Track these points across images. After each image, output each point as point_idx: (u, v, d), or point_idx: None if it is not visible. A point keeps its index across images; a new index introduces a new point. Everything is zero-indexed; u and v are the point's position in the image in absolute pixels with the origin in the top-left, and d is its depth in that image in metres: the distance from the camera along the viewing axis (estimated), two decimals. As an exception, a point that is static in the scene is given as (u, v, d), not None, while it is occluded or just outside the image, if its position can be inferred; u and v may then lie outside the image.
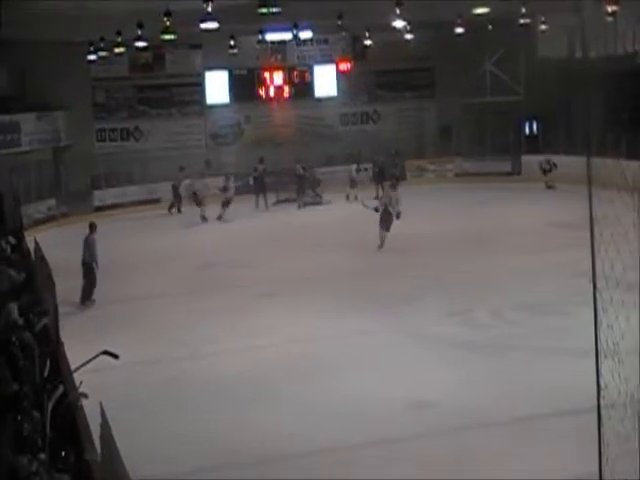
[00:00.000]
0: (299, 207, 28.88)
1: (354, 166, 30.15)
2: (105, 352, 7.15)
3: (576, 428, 8.78)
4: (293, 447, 9.74)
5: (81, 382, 6.48)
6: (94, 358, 6.93)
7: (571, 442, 8.89)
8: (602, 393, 5.81)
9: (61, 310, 9.01)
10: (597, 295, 6.05)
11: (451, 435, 9.84)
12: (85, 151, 30.52)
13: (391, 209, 20.56)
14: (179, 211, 28.97)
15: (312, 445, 9.77)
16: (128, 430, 8.18)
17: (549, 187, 29.31)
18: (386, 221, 20.54)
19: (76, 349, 8.26)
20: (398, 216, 20.52)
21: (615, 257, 6.20)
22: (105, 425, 4.73)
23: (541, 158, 29.99)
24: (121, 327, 14.96)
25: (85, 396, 6.08)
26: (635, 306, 6.75)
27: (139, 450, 8.62)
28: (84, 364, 6.87)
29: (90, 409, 5.89)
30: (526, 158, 31.69)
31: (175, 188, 29.14)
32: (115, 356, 7.27)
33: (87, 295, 16.93)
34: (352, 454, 9.51)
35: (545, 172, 29.55)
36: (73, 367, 7.10)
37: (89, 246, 17.03)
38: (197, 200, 27.48)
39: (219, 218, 26.83)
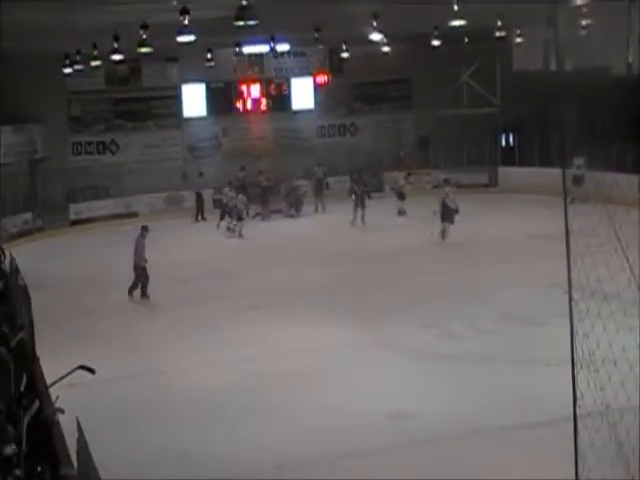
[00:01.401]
0: (263, 219, 28.71)
1: (402, 175, 28.96)
2: (81, 367, 7.07)
3: (553, 437, 8.83)
4: (276, 459, 9.71)
5: (57, 397, 6.41)
6: (70, 373, 6.85)
7: (548, 451, 8.92)
8: (578, 402, 5.85)
9: (37, 324, 8.94)
10: (573, 305, 6.09)
11: (430, 446, 9.86)
12: (61, 164, 30.33)
13: (450, 203, 22.56)
14: (203, 218, 29.15)
15: (295, 457, 9.75)
16: (105, 445, 8.13)
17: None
18: (449, 215, 22.44)
19: (52, 364, 8.19)
20: (457, 210, 22.45)
21: (591, 268, 6.26)
22: (82, 440, 4.70)
23: (579, 162, 25.27)
24: (99, 341, 14.88)
25: (61, 411, 6.02)
26: (611, 316, 6.81)
27: (117, 465, 8.55)
28: (60, 379, 6.80)
29: (67, 424, 5.84)
30: (503, 170, 31.89)
31: (199, 195, 29.37)
32: (92, 371, 7.19)
33: (144, 292, 18.25)
34: (334, 466, 9.49)
35: (576, 183, 23.30)
36: (49, 382, 7.04)
37: (137, 248, 18.23)
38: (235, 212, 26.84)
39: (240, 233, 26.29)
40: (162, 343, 14.86)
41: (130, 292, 18.30)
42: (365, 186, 27.68)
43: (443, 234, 22.49)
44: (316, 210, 29.68)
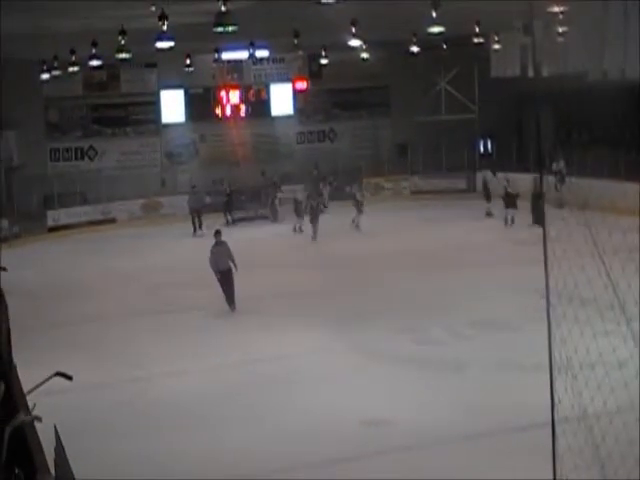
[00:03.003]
0: (227, 223, 28.38)
1: (488, 173, 27.51)
2: (58, 373, 7.01)
3: (530, 443, 8.85)
4: (250, 466, 9.68)
5: (34, 405, 6.36)
6: (47, 380, 6.80)
7: (526, 457, 8.94)
8: (556, 407, 5.88)
9: (13, 332, 8.88)
10: (550, 310, 6.13)
11: (407, 452, 9.85)
12: (38, 171, 30.17)
13: (511, 190, 24.66)
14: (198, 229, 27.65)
15: (269, 464, 9.72)
16: (84, 453, 8.07)
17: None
18: (512, 202, 24.33)
19: (29, 371, 8.13)
20: (518, 195, 24.42)
21: (568, 273, 6.30)
22: (59, 448, 4.66)
23: (559, 166, 25.51)
24: (75, 348, 14.78)
25: (39, 419, 5.97)
26: (587, 320, 6.86)
27: (96, 474, 8.50)
28: (37, 386, 6.74)
29: (44, 432, 5.80)
30: (480, 175, 32.01)
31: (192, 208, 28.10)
32: (69, 377, 7.13)
33: (231, 299, 17.10)
34: (308, 474, 9.45)
35: (557, 187, 24.56)
36: (26, 389, 6.99)
37: (217, 254, 17.10)
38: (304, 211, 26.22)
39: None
40: (142, 350, 14.77)
41: (229, 303, 17.07)
42: (321, 197, 26.37)
43: (511, 220, 24.16)
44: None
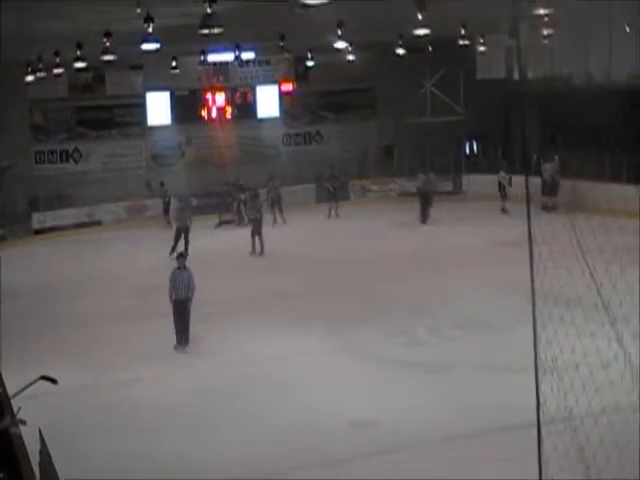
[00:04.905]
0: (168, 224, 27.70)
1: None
2: (43, 377, 6.99)
3: (516, 444, 8.88)
4: (239, 469, 9.67)
5: (19, 408, 6.34)
6: (32, 383, 6.77)
7: (511, 458, 8.97)
8: (541, 408, 5.89)
9: (-2, 335, 8.84)
10: (536, 311, 6.15)
11: (393, 453, 9.87)
12: (23, 173, 29.98)
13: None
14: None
15: (257, 466, 9.71)
16: (68, 456, 8.04)
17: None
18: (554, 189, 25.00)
19: (14, 375, 8.09)
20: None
21: (554, 274, 6.33)
22: (44, 452, 4.65)
23: (550, 169, 26.66)
24: (61, 351, 14.72)
25: (23, 422, 5.94)
26: (572, 322, 6.89)
27: (81, 477, 8.46)
28: (22, 389, 6.72)
29: (28, 436, 5.77)
30: (467, 177, 32.14)
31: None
32: (54, 381, 7.11)
33: (184, 335, 14.83)
34: (296, 474, 9.47)
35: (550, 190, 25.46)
36: (11, 393, 6.96)
37: (176, 281, 14.77)
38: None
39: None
40: (130, 353, 14.72)
41: (180, 340, 14.69)
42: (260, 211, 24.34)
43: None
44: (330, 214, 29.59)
